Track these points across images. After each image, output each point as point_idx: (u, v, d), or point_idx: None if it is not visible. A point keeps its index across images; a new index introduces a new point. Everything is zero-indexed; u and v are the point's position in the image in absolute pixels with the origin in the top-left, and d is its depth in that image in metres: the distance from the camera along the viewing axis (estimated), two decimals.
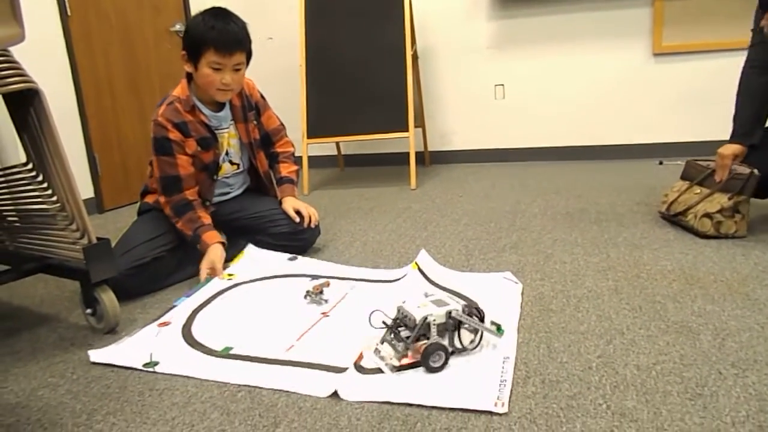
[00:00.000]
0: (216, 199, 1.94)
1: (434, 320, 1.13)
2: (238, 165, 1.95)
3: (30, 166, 1.44)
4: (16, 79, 1.26)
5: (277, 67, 3.76)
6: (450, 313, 1.14)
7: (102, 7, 3.02)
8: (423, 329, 1.13)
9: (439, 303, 1.17)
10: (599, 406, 0.97)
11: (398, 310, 1.20)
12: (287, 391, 1.09)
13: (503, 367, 1.10)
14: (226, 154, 1.90)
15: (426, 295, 1.23)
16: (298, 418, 1.01)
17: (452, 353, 1.15)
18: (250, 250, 1.89)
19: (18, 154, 2.34)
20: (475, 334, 1.18)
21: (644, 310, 1.33)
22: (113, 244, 1.65)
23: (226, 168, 1.92)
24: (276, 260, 1.84)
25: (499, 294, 1.47)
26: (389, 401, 1.03)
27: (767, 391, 0.97)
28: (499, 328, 1.24)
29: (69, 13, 2.83)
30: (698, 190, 1.91)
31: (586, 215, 2.22)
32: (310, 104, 3.20)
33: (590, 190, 2.64)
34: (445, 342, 1.14)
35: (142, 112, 3.28)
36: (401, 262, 1.81)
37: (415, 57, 3.31)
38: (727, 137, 1.90)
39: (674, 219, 1.97)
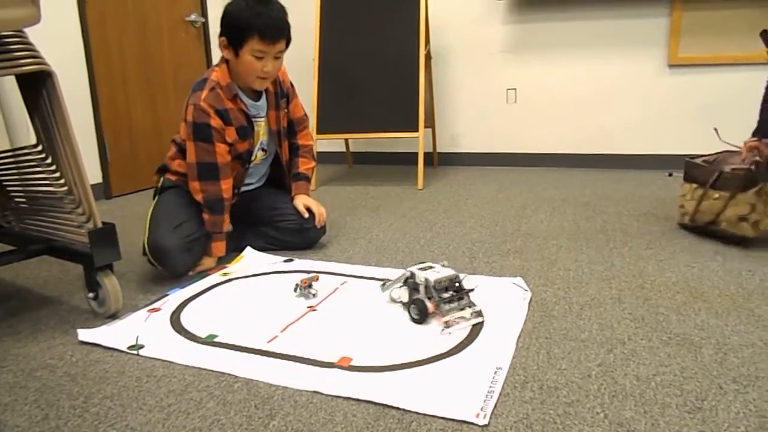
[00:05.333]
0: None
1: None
2: (266, 151, 1.94)
3: (40, 147, 1.45)
4: (30, 60, 1.27)
5: (290, 61, 3.76)
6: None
7: None
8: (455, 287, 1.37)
9: (429, 269, 1.40)
10: (597, 415, 0.96)
11: (421, 280, 1.36)
12: (282, 385, 1.09)
13: (494, 378, 1.08)
14: (260, 142, 1.89)
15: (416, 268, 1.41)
16: (293, 411, 1.01)
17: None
18: (248, 253, 1.90)
19: (29, 136, 2.35)
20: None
21: (646, 321, 1.32)
22: (148, 222, 1.69)
23: (259, 155, 1.92)
24: (272, 262, 1.84)
25: (505, 301, 1.45)
26: (370, 401, 1.03)
27: None
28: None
29: None
30: (717, 195, 1.85)
31: (592, 223, 2.20)
32: (321, 100, 3.20)
33: (597, 199, 2.63)
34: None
35: (153, 100, 3.29)
36: (404, 262, 1.81)
37: (428, 57, 3.31)
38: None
39: (705, 228, 1.93)
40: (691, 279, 1.58)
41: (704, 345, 1.20)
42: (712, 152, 2.02)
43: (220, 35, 1.71)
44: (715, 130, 1.99)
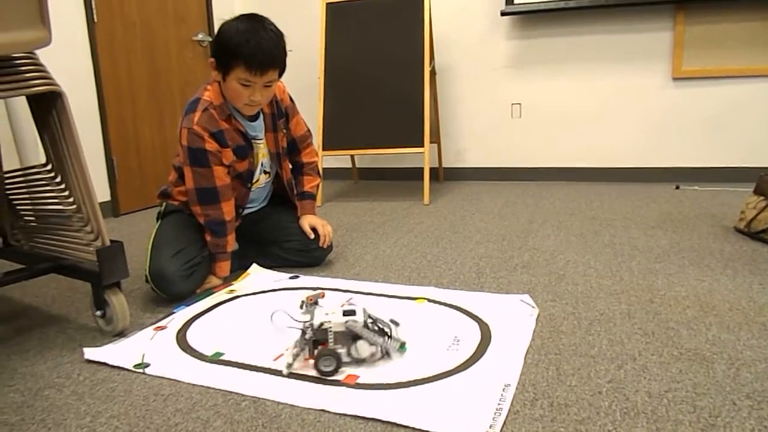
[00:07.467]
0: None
1: (330, 328, 1.19)
2: (269, 173, 1.91)
3: (49, 167, 1.46)
4: (40, 81, 1.28)
5: (296, 79, 3.80)
6: (347, 323, 1.19)
7: (128, 15, 3.09)
8: (321, 335, 1.19)
9: (347, 313, 1.21)
10: None
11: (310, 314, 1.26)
12: (290, 403, 1.08)
13: (502, 395, 1.07)
14: (261, 164, 1.84)
15: (346, 304, 1.28)
16: (301, 430, 1.00)
17: (349, 363, 1.19)
18: (254, 270, 1.90)
19: (38, 155, 2.38)
20: (377, 348, 1.21)
21: (657, 336, 1.31)
22: (149, 249, 1.68)
23: (262, 179, 1.88)
24: (278, 279, 1.84)
25: (512, 317, 1.44)
26: (378, 419, 1.01)
27: None
28: (402, 345, 1.27)
29: (95, 20, 2.90)
30: None
31: (599, 237, 2.19)
32: (327, 116, 3.23)
33: (604, 213, 2.62)
34: (342, 350, 1.18)
35: (161, 119, 3.32)
36: (411, 278, 1.80)
37: (433, 73, 3.33)
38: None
39: (756, 236, 2.05)
40: (701, 293, 1.57)
41: (716, 360, 1.18)
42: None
43: (211, 55, 1.66)
44: None
